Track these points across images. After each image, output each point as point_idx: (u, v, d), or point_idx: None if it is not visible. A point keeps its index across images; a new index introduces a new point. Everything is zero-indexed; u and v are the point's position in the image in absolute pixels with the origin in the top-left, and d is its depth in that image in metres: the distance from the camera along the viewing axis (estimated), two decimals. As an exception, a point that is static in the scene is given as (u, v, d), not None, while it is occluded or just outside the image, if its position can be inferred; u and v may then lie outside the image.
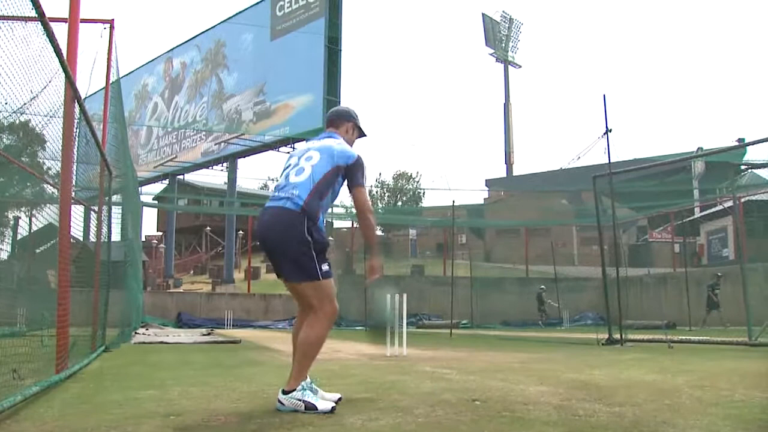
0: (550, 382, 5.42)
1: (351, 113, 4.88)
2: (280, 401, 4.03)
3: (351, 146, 4.66)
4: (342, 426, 3.46)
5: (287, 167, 4.45)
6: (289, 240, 4.12)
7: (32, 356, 5.80)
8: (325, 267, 4.16)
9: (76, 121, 6.84)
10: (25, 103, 5.74)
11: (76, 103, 6.52)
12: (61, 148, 6.23)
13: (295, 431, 3.34)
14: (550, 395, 4.56)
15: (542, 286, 29.74)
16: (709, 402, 4.23)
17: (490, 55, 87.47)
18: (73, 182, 7.30)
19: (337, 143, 4.51)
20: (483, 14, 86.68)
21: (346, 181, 4.45)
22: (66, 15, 7.57)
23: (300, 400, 3.97)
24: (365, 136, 4.92)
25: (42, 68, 5.62)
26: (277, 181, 4.47)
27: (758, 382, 5.38)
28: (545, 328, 26.31)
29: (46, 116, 6.99)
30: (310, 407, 3.92)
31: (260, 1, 43.91)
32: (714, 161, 33.31)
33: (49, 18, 4.84)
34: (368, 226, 4.47)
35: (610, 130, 13.30)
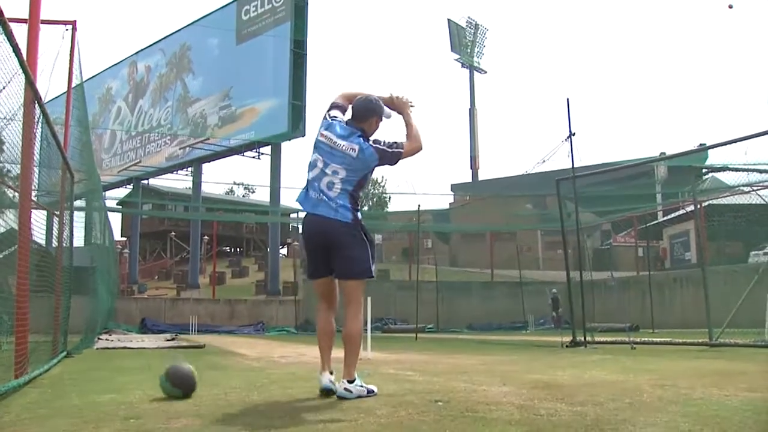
0: (513, 383, 5.44)
1: (377, 108, 5.06)
2: (347, 389, 4.52)
3: (371, 135, 5.00)
4: (304, 427, 3.44)
5: (315, 162, 4.88)
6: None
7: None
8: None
9: (37, 123, 6.74)
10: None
11: (37, 105, 6.43)
12: (20, 150, 6.13)
13: (257, 433, 3.32)
14: (512, 395, 4.58)
15: (554, 290, 29.83)
16: (670, 400, 4.27)
17: (456, 60, 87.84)
18: (35, 186, 7.20)
19: (357, 149, 4.79)
20: (448, 20, 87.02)
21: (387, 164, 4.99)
22: (26, 15, 7.48)
23: (362, 386, 4.60)
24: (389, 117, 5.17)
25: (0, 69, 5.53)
26: (309, 171, 4.91)
27: (717, 381, 5.44)
28: (557, 330, 26.39)
29: (3, 119, 6.89)
30: (371, 392, 4.63)
31: (226, 5, 43.68)
32: (676, 165, 33.66)
33: (8, 18, 4.77)
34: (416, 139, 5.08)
35: (574, 134, 13.44)
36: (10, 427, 3.63)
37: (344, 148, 4.78)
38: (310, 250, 4.90)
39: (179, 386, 4.67)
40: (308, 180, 4.88)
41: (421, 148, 5.08)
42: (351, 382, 4.55)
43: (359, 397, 4.46)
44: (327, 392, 4.61)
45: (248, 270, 50.27)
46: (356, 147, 4.77)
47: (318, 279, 4.93)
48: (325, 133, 4.90)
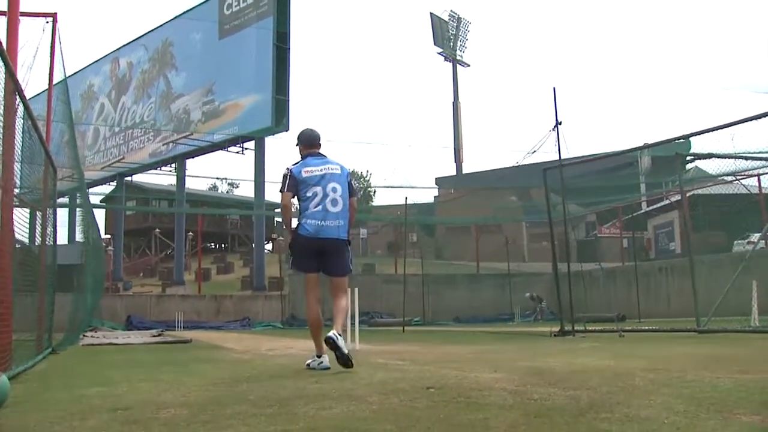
0: (505, 370, 5.40)
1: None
2: (339, 335, 5.67)
3: None
4: (294, 415, 3.38)
5: (315, 195, 6.03)
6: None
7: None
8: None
9: (17, 115, 6.64)
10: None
11: (17, 96, 6.33)
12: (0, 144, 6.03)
13: (249, 421, 3.26)
14: (505, 381, 4.54)
15: (527, 294, 29.89)
16: (662, 383, 4.25)
17: (439, 54, 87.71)
18: (17, 182, 7.10)
19: (340, 169, 6.25)
20: (431, 13, 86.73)
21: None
22: (4, 8, 7.39)
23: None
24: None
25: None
26: (307, 205, 6.07)
27: (707, 364, 5.44)
28: (541, 322, 26.43)
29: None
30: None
31: (208, 0, 43.44)
32: (660, 156, 33.81)
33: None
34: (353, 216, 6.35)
35: (561, 123, 13.44)
36: (-6, 420, 3.56)
37: (331, 168, 6.17)
38: (307, 254, 6.07)
39: None
40: (309, 213, 5.99)
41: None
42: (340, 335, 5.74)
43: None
44: (332, 341, 5.58)
45: (233, 266, 50.07)
46: (337, 167, 6.24)
47: (312, 273, 6.12)
48: (307, 169, 6.12)
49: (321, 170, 6.09)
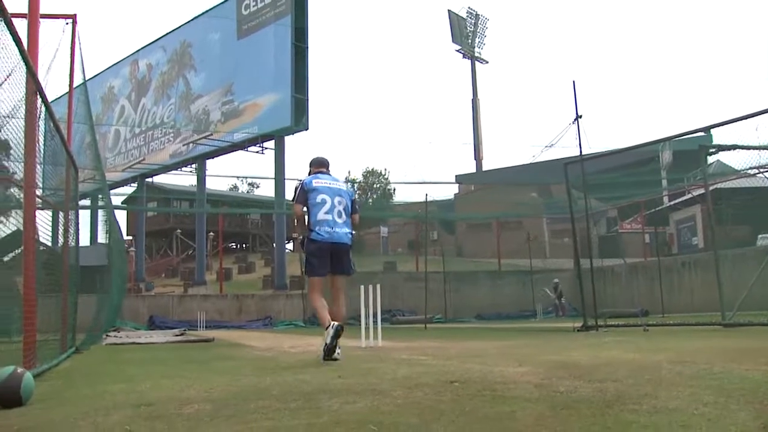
0: (529, 364, 5.35)
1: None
2: (341, 327, 6.35)
3: None
4: (318, 409, 3.37)
5: (324, 201, 6.90)
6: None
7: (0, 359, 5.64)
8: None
9: (39, 116, 6.67)
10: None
11: (39, 97, 6.35)
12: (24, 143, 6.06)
13: (272, 415, 3.24)
14: (530, 375, 4.49)
15: (555, 279, 29.81)
16: (690, 375, 4.19)
17: (457, 51, 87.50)
18: (39, 183, 7.13)
19: (345, 187, 7.25)
20: (449, 11, 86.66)
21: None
22: (25, 10, 7.42)
23: None
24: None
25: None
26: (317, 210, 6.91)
27: (735, 357, 5.36)
28: (562, 318, 26.31)
29: (6, 117, 6.80)
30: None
31: (226, 0, 43.57)
32: (681, 150, 33.55)
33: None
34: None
35: (581, 116, 13.34)
36: (20, 417, 3.57)
37: (339, 184, 7.13)
38: (323, 257, 6.85)
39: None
40: (319, 220, 6.83)
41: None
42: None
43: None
44: (337, 328, 6.29)
45: (255, 265, 50.16)
46: (343, 184, 7.21)
47: (325, 276, 6.96)
48: (318, 180, 7.03)
49: (329, 183, 7.02)
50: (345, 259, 6.98)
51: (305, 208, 6.96)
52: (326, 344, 6.28)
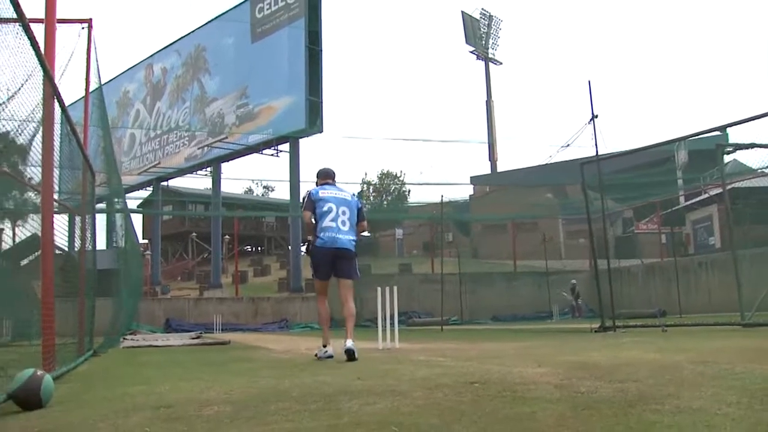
0: (549, 365, 5.32)
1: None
2: (353, 346, 6.77)
3: None
4: (339, 410, 3.36)
5: (330, 210, 7.35)
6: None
7: (19, 361, 5.67)
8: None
9: (56, 119, 6.70)
10: (2, 102, 5.59)
11: (56, 101, 6.38)
12: (41, 147, 6.08)
13: (293, 417, 3.24)
14: (549, 376, 4.46)
15: (573, 280, 29.71)
16: (711, 375, 4.15)
17: (471, 52, 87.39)
18: (56, 186, 7.15)
19: (351, 197, 7.65)
20: (462, 12, 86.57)
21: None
22: (42, 15, 7.44)
23: None
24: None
25: (18, 67, 5.46)
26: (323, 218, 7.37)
27: (756, 357, 5.32)
28: (578, 319, 26.22)
29: (24, 121, 6.82)
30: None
31: (240, 4, 43.70)
32: (697, 149, 33.38)
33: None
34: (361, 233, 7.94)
35: (596, 116, 13.28)
36: (38, 419, 3.58)
37: (345, 194, 7.57)
38: (324, 262, 7.38)
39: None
40: (324, 227, 7.28)
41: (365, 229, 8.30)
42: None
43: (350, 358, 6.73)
44: (350, 352, 6.72)
45: (270, 268, 50.24)
46: (348, 195, 7.63)
47: (327, 280, 7.50)
48: (325, 191, 7.52)
49: (335, 193, 7.51)
50: (349, 265, 7.44)
51: (313, 217, 7.43)
52: (317, 355, 7.30)
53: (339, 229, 7.31)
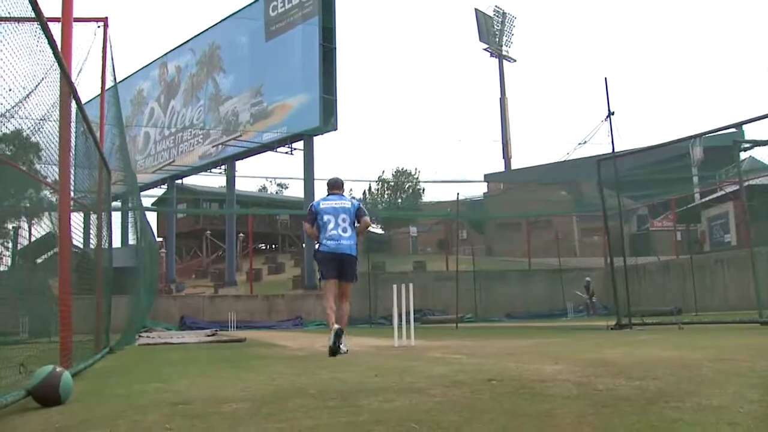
0: (566, 362, 5.29)
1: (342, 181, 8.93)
2: (341, 330, 7.63)
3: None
4: (358, 407, 3.35)
5: (329, 221, 8.26)
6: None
7: (38, 357, 5.70)
8: None
9: (72, 118, 6.72)
10: (20, 101, 5.61)
11: (73, 99, 6.40)
12: (57, 145, 6.10)
13: (311, 414, 3.23)
14: (567, 373, 4.45)
15: (587, 277, 29.59)
16: (731, 373, 4.13)
17: (485, 50, 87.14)
18: (72, 184, 7.17)
19: (350, 204, 8.49)
20: (476, 9, 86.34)
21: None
22: (58, 14, 7.47)
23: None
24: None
25: (35, 66, 5.49)
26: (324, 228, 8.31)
27: (776, 355, 5.28)
28: (592, 317, 26.12)
29: (41, 120, 6.84)
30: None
31: (254, 2, 43.76)
32: (712, 146, 33.20)
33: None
34: (364, 231, 8.81)
35: (613, 113, 13.22)
36: (58, 415, 3.59)
37: (344, 203, 8.43)
38: (329, 264, 8.25)
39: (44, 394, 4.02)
40: (327, 235, 8.19)
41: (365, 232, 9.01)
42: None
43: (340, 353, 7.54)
44: (338, 331, 7.52)
45: (284, 266, 50.24)
46: (348, 202, 8.49)
47: (333, 280, 8.26)
48: (326, 202, 8.41)
49: (335, 204, 8.39)
50: (350, 268, 8.33)
51: (315, 226, 8.40)
52: (329, 345, 7.58)
53: (340, 235, 8.20)
